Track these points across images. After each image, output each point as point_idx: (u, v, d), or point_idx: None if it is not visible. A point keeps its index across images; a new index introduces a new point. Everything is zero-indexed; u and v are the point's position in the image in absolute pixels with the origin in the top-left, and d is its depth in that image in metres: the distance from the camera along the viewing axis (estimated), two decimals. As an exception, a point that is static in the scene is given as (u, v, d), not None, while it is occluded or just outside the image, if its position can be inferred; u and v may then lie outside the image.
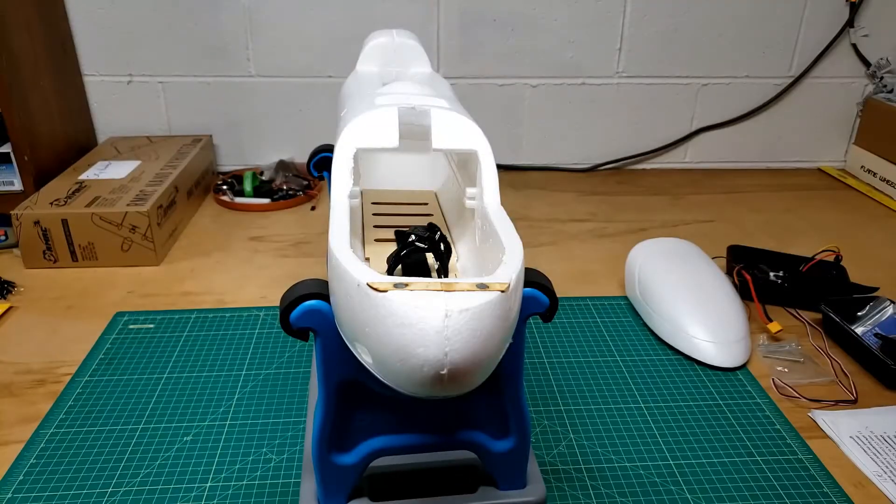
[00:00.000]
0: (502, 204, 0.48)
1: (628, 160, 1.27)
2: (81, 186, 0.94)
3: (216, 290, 0.84)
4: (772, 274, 0.84)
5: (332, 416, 0.45)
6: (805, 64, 1.22)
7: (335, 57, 1.16)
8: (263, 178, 1.14)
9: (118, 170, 1.00)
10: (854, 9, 1.17)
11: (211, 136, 1.19)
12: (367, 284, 0.35)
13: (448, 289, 0.35)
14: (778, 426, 0.63)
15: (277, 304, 0.81)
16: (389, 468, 0.48)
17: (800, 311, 0.81)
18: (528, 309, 0.44)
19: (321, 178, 0.68)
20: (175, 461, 0.58)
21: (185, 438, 0.60)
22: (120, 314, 0.78)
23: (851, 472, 0.58)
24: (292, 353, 0.72)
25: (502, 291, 0.36)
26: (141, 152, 1.09)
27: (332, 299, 0.41)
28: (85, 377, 0.68)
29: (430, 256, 0.51)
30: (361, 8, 1.13)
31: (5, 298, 0.82)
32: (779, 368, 0.71)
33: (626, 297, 0.84)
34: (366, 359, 0.38)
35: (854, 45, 1.21)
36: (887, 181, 1.18)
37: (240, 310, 0.80)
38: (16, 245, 0.89)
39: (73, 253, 0.88)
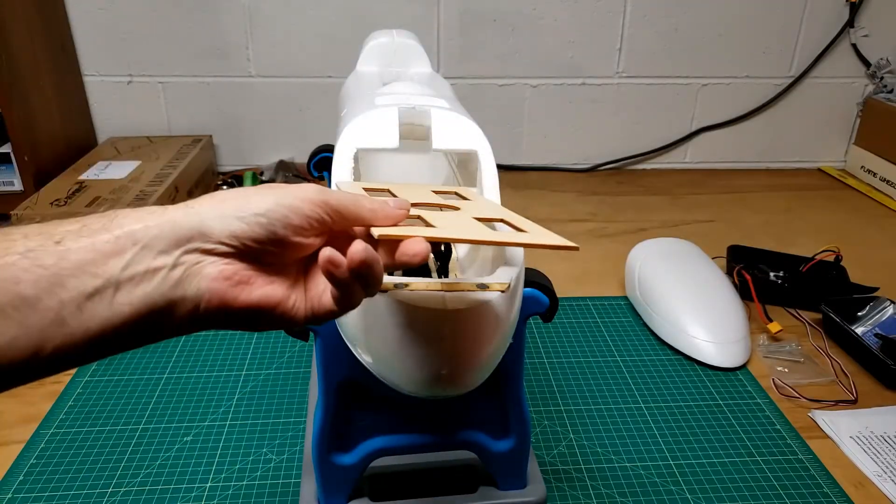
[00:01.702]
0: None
1: (628, 160, 1.27)
2: (82, 186, 0.94)
3: (216, 290, 0.84)
4: (772, 274, 0.84)
5: (332, 416, 0.45)
6: (805, 64, 1.22)
7: (335, 57, 1.16)
8: (263, 178, 1.14)
9: (118, 170, 1.00)
10: (854, 9, 1.17)
11: (211, 136, 1.19)
12: (367, 284, 0.35)
13: (448, 289, 0.35)
14: (778, 426, 0.63)
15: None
16: (389, 468, 0.48)
17: (800, 311, 0.81)
18: (528, 309, 0.44)
19: (321, 179, 0.68)
20: (175, 461, 0.58)
21: (185, 438, 0.60)
22: (120, 314, 0.78)
23: (851, 472, 0.58)
24: (292, 353, 0.72)
25: (502, 291, 0.36)
26: (141, 152, 1.08)
27: (332, 299, 0.41)
28: (85, 377, 0.68)
29: (429, 256, 0.51)
30: (361, 8, 1.13)
31: (5, 298, 0.81)
32: (779, 368, 0.71)
33: (626, 297, 0.83)
34: (366, 359, 0.38)
35: (854, 45, 1.21)
36: (887, 181, 1.18)
37: (240, 310, 0.80)
38: (16, 245, 0.89)
39: (73, 253, 0.88)
